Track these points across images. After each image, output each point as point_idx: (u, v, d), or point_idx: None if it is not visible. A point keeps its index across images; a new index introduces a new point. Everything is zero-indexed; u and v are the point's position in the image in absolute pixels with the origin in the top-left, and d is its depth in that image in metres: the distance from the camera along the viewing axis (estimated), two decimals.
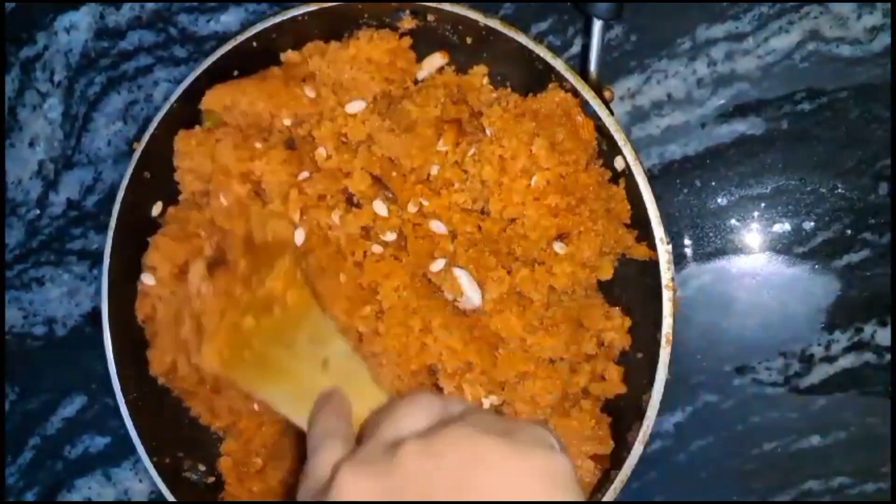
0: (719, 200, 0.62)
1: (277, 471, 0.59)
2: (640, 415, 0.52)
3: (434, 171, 0.54)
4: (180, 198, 0.60)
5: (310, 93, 0.57)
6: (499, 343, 0.54)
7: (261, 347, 0.51)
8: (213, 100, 0.57)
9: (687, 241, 0.62)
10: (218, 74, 0.57)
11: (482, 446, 0.32)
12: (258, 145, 0.56)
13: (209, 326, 0.53)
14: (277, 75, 0.57)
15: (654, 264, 0.52)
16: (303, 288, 0.54)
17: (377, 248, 0.54)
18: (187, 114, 0.58)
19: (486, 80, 0.58)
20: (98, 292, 0.59)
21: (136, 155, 0.58)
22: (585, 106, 0.53)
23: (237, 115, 0.57)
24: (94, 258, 0.69)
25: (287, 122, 0.57)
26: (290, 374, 0.50)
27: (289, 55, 0.58)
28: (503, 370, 0.53)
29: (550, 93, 0.54)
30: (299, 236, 0.55)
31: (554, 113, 0.54)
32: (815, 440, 0.62)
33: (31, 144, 0.69)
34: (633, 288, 0.56)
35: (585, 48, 0.56)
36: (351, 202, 0.55)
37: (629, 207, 0.55)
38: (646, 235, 0.53)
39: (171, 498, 0.57)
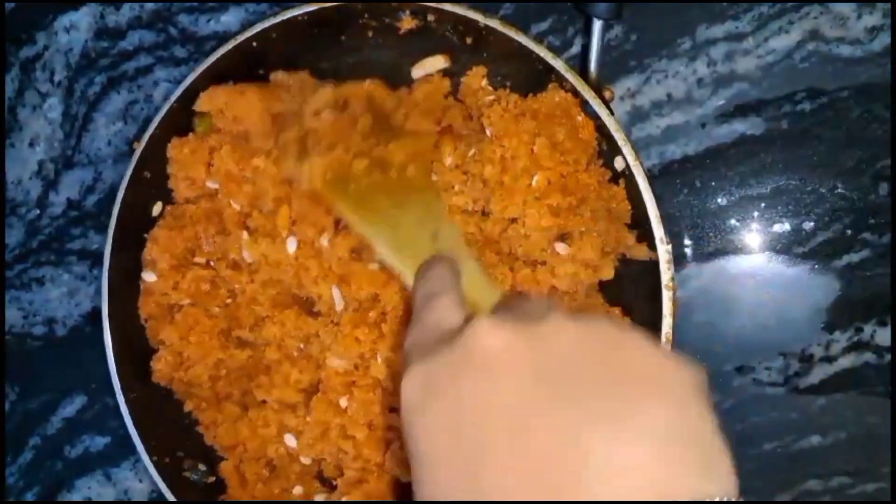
0: (719, 200, 0.62)
1: (280, 479, 0.59)
2: None
3: (433, 178, 0.54)
4: (175, 201, 0.60)
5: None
6: None
7: (368, 189, 0.47)
8: (208, 101, 0.57)
9: (687, 241, 0.62)
10: (218, 75, 0.57)
11: (629, 337, 0.30)
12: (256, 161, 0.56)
13: (317, 145, 0.49)
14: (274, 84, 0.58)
15: (654, 264, 0.52)
16: (427, 170, 0.50)
17: (373, 267, 0.54)
18: (187, 114, 0.58)
19: (484, 82, 0.58)
20: (98, 292, 0.59)
21: (136, 155, 0.58)
22: (585, 106, 0.53)
23: (229, 121, 0.57)
24: (95, 258, 0.69)
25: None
26: (395, 225, 0.46)
27: (278, 76, 0.58)
28: None
29: (550, 93, 0.54)
30: (291, 246, 0.55)
31: (554, 113, 0.54)
32: (815, 440, 0.62)
33: (31, 144, 0.69)
34: (633, 288, 0.56)
35: (585, 48, 0.56)
36: (338, 225, 0.55)
37: (629, 207, 0.55)
38: (646, 235, 0.53)
39: (171, 498, 0.57)
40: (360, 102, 0.54)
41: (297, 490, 0.59)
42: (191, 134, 0.59)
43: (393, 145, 0.51)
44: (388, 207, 0.48)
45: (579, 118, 0.54)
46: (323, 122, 0.52)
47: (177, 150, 0.58)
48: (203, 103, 0.57)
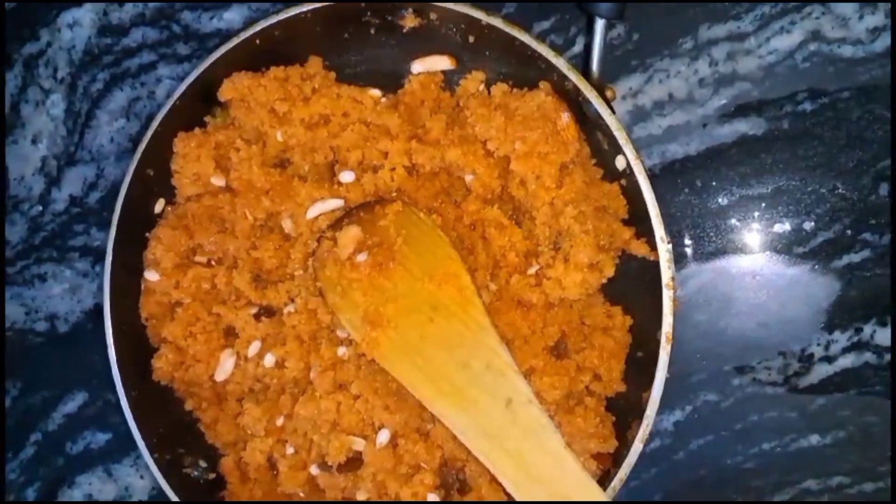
0: (720, 200, 0.62)
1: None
2: (640, 413, 0.52)
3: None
4: (176, 200, 0.60)
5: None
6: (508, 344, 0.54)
7: (433, 356, 0.49)
8: (231, 88, 0.57)
9: (687, 241, 0.62)
10: (221, 72, 0.57)
11: None
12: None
13: (367, 305, 0.50)
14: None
15: (654, 263, 0.52)
16: (472, 299, 0.51)
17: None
18: (190, 111, 0.59)
19: (482, 87, 0.58)
20: (100, 289, 0.59)
21: (139, 152, 0.58)
22: (587, 105, 0.53)
23: (244, 112, 0.57)
24: (97, 255, 0.69)
25: (279, 137, 0.57)
26: (471, 400, 0.48)
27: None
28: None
29: (532, 94, 0.55)
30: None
31: (532, 115, 0.54)
32: (814, 439, 0.63)
33: (34, 141, 0.69)
34: (634, 287, 0.56)
35: (587, 47, 0.56)
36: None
37: (625, 203, 0.55)
38: (646, 234, 0.53)
39: (171, 495, 0.57)
40: (392, 222, 0.53)
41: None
42: (207, 118, 0.59)
43: (431, 283, 0.51)
44: (458, 376, 0.49)
45: (562, 121, 0.54)
46: (361, 272, 0.52)
47: (183, 143, 0.58)
48: (226, 90, 0.57)
